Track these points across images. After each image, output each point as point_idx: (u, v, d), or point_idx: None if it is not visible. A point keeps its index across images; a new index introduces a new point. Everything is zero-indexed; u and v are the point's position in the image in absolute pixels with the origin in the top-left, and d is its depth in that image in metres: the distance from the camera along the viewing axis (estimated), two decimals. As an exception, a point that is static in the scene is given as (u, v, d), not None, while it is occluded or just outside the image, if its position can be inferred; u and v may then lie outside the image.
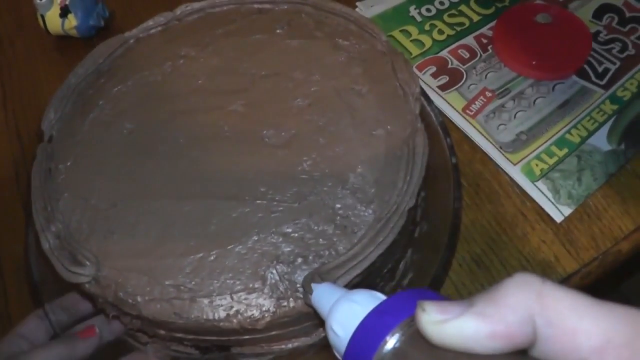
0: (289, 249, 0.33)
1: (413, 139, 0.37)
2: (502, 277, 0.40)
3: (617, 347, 0.15)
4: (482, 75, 0.53)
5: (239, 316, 0.32)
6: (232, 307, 0.32)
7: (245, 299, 0.32)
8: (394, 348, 0.19)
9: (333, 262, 0.32)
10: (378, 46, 0.42)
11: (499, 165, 0.48)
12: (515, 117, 0.50)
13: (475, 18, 0.57)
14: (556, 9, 0.56)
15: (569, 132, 0.49)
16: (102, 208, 0.36)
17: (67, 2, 0.56)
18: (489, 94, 0.51)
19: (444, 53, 0.55)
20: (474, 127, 0.50)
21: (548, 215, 0.45)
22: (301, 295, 0.32)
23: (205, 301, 0.32)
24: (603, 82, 0.52)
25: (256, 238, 0.34)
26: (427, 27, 0.57)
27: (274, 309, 0.32)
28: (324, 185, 0.36)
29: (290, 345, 0.37)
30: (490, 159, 0.48)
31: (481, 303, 0.17)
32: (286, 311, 0.32)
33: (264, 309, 0.32)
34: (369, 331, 0.20)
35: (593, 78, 0.52)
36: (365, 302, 0.22)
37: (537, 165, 0.47)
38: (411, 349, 0.18)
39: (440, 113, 0.46)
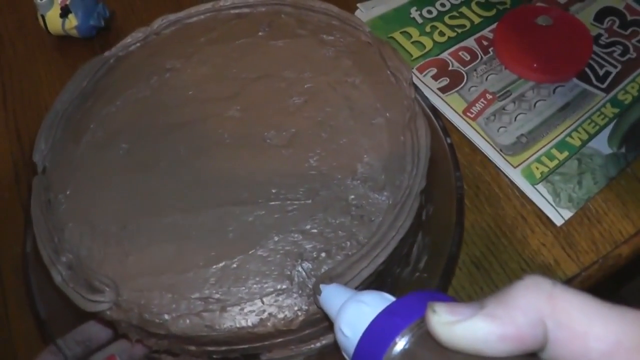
0: (310, 246, 0.33)
1: (414, 123, 0.37)
2: (502, 280, 0.42)
3: (627, 350, 0.15)
4: (483, 77, 0.53)
5: (273, 319, 0.31)
6: (264, 311, 0.31)
7: (275, 301, 0.32)
8: (403, 349, 0.19)
9: (357, 253, 0.32)
10: (362, 37, 0.43)
11: (499, 168, 0.48)
12: (515, 119, 0.50)
13: (476, 20, 0.57)
14: (557, 12, 0.56)
15: (569, 135, 0.49)
16: (112, 232, 0.35)
17: (67, 2, 0.56)
18: (489, 97, 0.51)
19: (445, 55, 0.54)
20: (474, 129, 0.49)
21: (548, 218, 0.45)
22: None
23: (236, 309, 0.31)
24: (604, 86, 0.51)
25: (276, 239, 0.33)
26: (428, 29, 0.56)
27: (306, 307, 0.32)
28: (333, 179, 0.36)
29: (318, 344, 0.37)
30: (491, 161, 0.48)
31: (492, 305, 0.17)
32: (318, 308, 0.32)
33: (296, 308, 0.32)
34: (378, 332, 0.20)
35: (594, 81, 0.52)
36: (374, 303, 0.22)
37: (537, 168, 0.47)
38: (421, 350, 0.18)
39: (424, 97, 0.46)
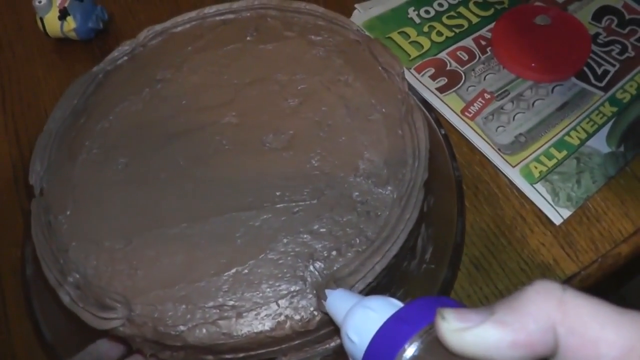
0: (320, 245, 0.33)
1: (411, 116, 0.37)
2: (501, 280, 0.42)
3: (639, 356, 0.15)
4: (481, 77, 0.53)
5: (290, 321, 0.31)
6: (280, 314, 0.31)
7: (290, 303, 0.32)
8: (413, 356, 0.19)
9: (369, 249, 0.32)
10: (351, 36, 0.43)
11: (497, 168, 0.48)
12: (514, 119, 0.50)
13: (474, 20, 0.57)
14: (555, 11, 0.56)
15: (568, 134, 0.49)
16: (118, 248, 0.35)
17: (65, 5, 0.55)
18: (487, 96, 0.51)
19: (443, 55, 0.54)
20: (473, 129, 0.49)
21: (547, 217, 0.45)
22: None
23: (252, 314, 0.31)
24: (602, 84, 0.51)
25: (286, 241, 0.33)
26: (425, 29, 0.56)
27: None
28: (336, 177, 0.36)
29: (333, 344, 0.37)
30: (489, 161, 0.48)
31: (501, 311, 0.17)
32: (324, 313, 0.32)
33: (312, 308, 0.31)
34: (387, 339, 0.20)
35: (592, 80, 0.52)
36: (381, 309, 0.22)
37: (536, 167, 0.47)
38: (430, 357, 0.18)
39: (414, 91, 0.47)
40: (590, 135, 0.49)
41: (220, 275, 0.32)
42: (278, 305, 0.32)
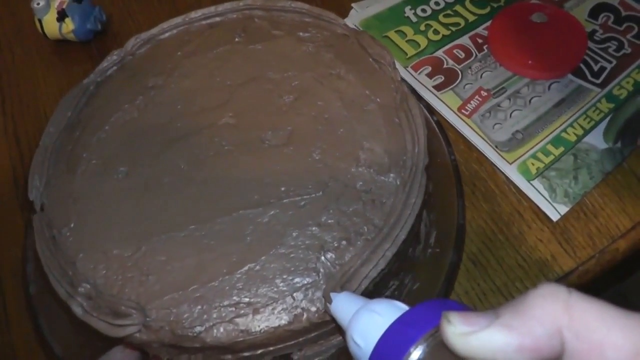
0: (330, 236, 0.34)
1: (406, 103, 0.38)
2: (499, 276, 0.42)
3: None
4: (478, 74, 0.53)
5: (306, 313, 0.32)
6: (296, 307, 0.32)
7: (305, 295, 0.32)
8: None
9: (378, 236, 0.33)
10: (338, 30, 0.43)
11: (495, 165, 0.48)
12: (511, 116, 0.50)
13: (471, 18, 0.57)
14: (552, 8, 0.57)
15: (565, 130, 0.49)
16: (127, 255, 0.34)
17: (64, 6, 0.55)
18: (484, 94, 0.51)
19: (440, 53, 0.54)
20: (470, 126, 0.49)
21: (544, 214, 0.45)
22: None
23: (268, 309, 0.32)
24: (599, 81, 0.52)
25: (295, 235, 0.34)
26: (422, 28, 0.56)
27: (337, 296, 0.32)
28: (338, 169, 0.36)
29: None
30: (486, 158, 0.48)
31: (507, 315, 0.17)
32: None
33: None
34: (393, 342, 0.20)
35: (589, 77, 0.52)
36: (386, 312, 0.23)
37: (533, 164, 0.47)
38: None
39: (403, 80, 0.47)
40: (587, 132, 0.49)
41: (233, 274, 0.33)
42: (293, 299, 0.32)
